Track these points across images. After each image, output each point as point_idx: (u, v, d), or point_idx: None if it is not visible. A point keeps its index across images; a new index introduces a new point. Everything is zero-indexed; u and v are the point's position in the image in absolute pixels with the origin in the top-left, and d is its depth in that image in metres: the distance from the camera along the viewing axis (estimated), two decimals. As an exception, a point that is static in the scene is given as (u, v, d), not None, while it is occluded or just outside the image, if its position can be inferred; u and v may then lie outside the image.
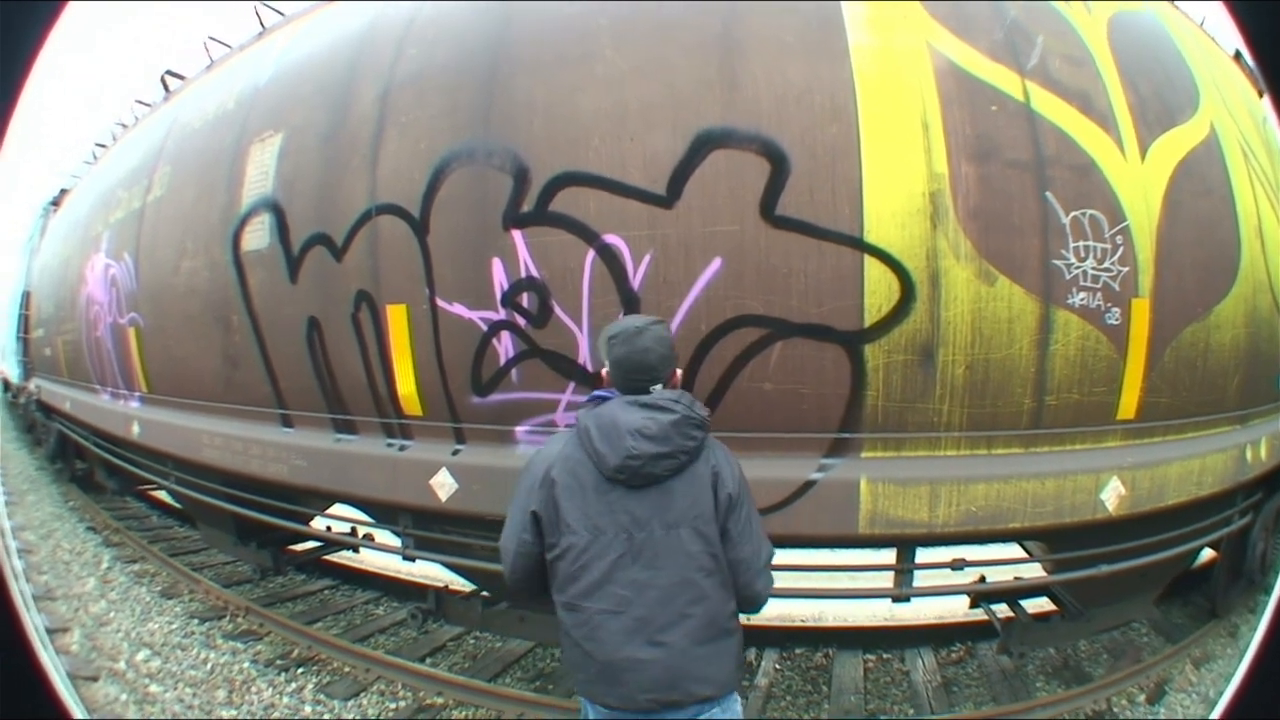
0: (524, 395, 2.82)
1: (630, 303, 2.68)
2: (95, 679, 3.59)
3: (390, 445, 3.12)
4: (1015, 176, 2.83)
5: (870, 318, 2.66)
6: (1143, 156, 3.14)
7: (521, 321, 2.77)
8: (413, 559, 3.24)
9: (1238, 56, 5.26)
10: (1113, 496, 3.02)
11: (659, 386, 1.70)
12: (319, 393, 3.35)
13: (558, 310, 2.74)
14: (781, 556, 2.99)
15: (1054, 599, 3.54)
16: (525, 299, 2.77)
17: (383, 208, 3.03)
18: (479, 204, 2.84)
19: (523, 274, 2.77)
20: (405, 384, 3.02)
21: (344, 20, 3.70)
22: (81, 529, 6.58)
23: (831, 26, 2.85)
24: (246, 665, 3.91)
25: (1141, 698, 3.67)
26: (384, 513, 3.38)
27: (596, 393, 1.76)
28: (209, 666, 3.91)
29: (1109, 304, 2.94)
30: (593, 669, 1.60)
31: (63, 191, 7.88)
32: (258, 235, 3.52)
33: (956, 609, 4.39)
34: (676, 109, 2.74)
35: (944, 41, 2.91)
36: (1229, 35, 5.51)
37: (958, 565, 2.94)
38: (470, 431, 2.95)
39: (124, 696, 3.52)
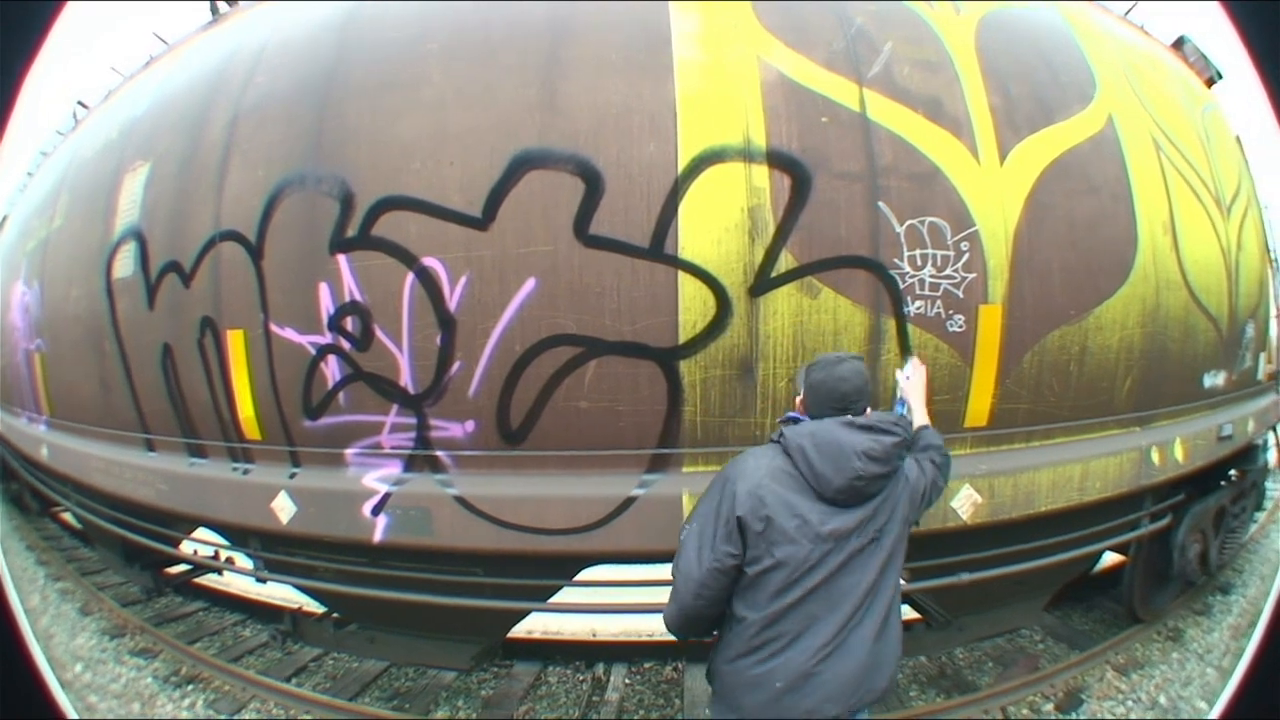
0: (351, 418, 3.05)
1: (447, 324, 2.90)
2: (56, 688, 3.97)
3: (235, 469, 3.37)
4: (844, 188, 2.99)
5: (685, 334, 2.84)
6: (1002, 159, 3.27)
7: (346, 345, 3.00)
8: (264, 580, 3.48)
9: (1178, 45, 5.33)
10: (966, 505, 3.14)
11: (850, 416, 1.88)
12: (174, 418, 3.62)
13: (380, 333, 2.96)
14: (613, 573, 3.21)
15: (917, 607, 3.63)
16: (350, 323, 3.00)
17: (225, 234, 3.30)
18: (308, 229, 3.08)
19: (347, 298, 3.00)
20: (245, 408, 3.27)
21: (212, 49, 4.00)
22: (21, 547, 7.17)
23: (658, 43, 3.06)
24: (149, 680, 4.36)
25: (1049, 706, 3.75)
26: (237, 535, 3.63)
27: (791, 414, 1.98)
28: (123, 681, 4.39)
29: (951, 311, 3.07)
30: (781, 683, 1.72)
31: (4, 218, 8.36)
32: (125, 263, 3.82)
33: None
34: (496, 131, 2.96)
35: (776, 54, 3.09)
36: (1172, 24, 5.60)
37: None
38: (305, 455, 3.18)
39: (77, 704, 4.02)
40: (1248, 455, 5.11)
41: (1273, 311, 5.59)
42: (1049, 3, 4.06)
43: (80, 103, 5.61)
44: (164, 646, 4.45)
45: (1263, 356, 5.25)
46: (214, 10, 4.30)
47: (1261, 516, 6.52)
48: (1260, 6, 2.30)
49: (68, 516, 6.57)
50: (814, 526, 1.74)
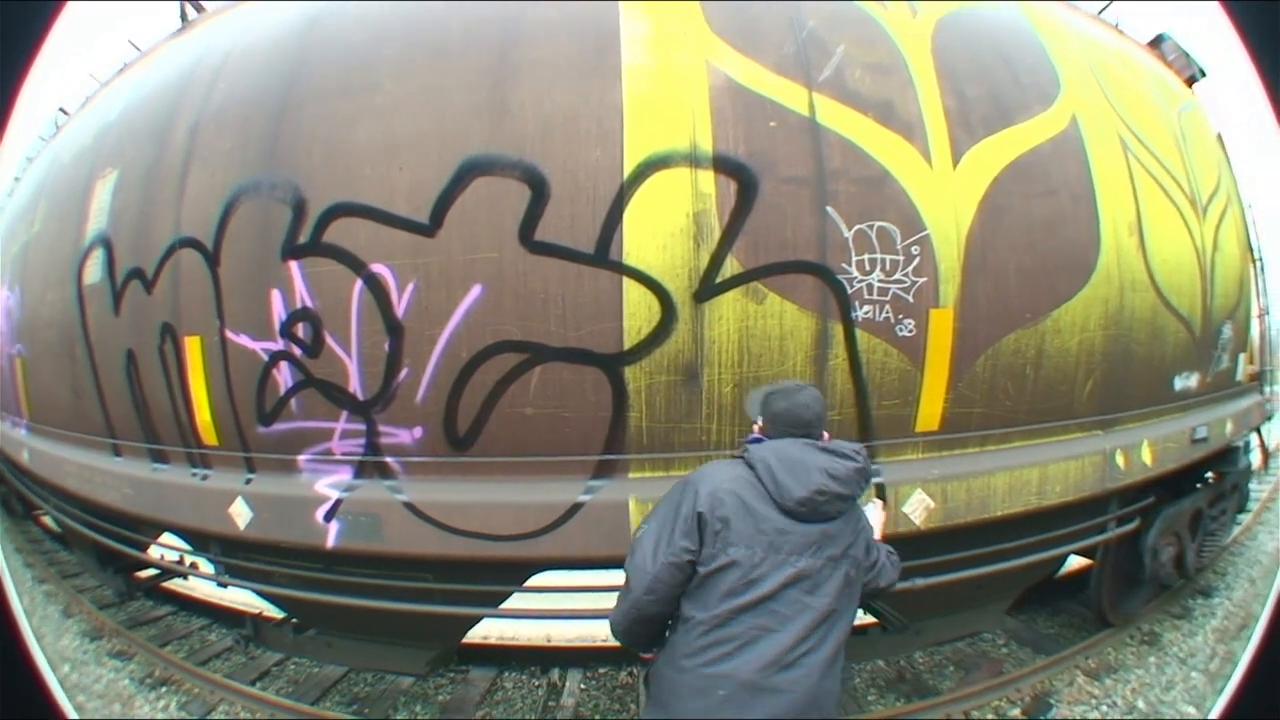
0: (303, 424, 3.08)
1: (395, 331, 2.92)
2: (50, 688, 4.06)
3: (194, 474, 3.41)
4: (791, 192, 2.99)
5: (630, 340, 2.85)
6: (955, 162, 3.26)
7: (298, 351, 3.03)
8: (225, 585, 3.52)
9: (1156, 43, 5.29)
10: (919, 509, 3.13)
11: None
12: (138, 423, 3.67)
13: (330, 340, 2.99)
14: (564, 579, 3.23)
15: (873, 612, 3.63)
16: (301, 329, 3.03)
17: (184, 241, 3.33)
18: (261, 235, 3.12)
19: (298, 304, 3.03)
20: (202, 413, 3.31)
21: (180, 55, 4.04)
22: (10, 549, 7.24)
23: (607, 47, 3.07)
24: (126, 683, 4.41)
25: (1015, 711, 3.72)
26: (199, 540, 3.67)
27: (754, 436, 2.02)
28: (104, 682, 4.44)
29: (901, 316, 3.07)
30: (724, 691, 1.68)
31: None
32: (94, 270, 3.87)
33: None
34: (445, 137, 2.98)
35: (725, 58, 3.09)
36: (1168, 24, 5.56)
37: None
38: (259, 460, 3.21)
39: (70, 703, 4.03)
40: (1227, 457, 5.06)
41: (1255, 311, 5.52)
42: (1013, 2, 4.03)
43: (61, 109, 5.68)
44: (138, 649, 4.52)
45: (1242, 357, 5.20)
46: (183, 16, 4.34)
47: (1246, 519, 6.45)
48: (1261, 6, 2.29)
49: (48, 520, 6.67)
50: (769, 534, 1.76)
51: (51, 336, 4.37)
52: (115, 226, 3.78)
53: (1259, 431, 5.78)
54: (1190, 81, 5.46)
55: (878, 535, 2.26)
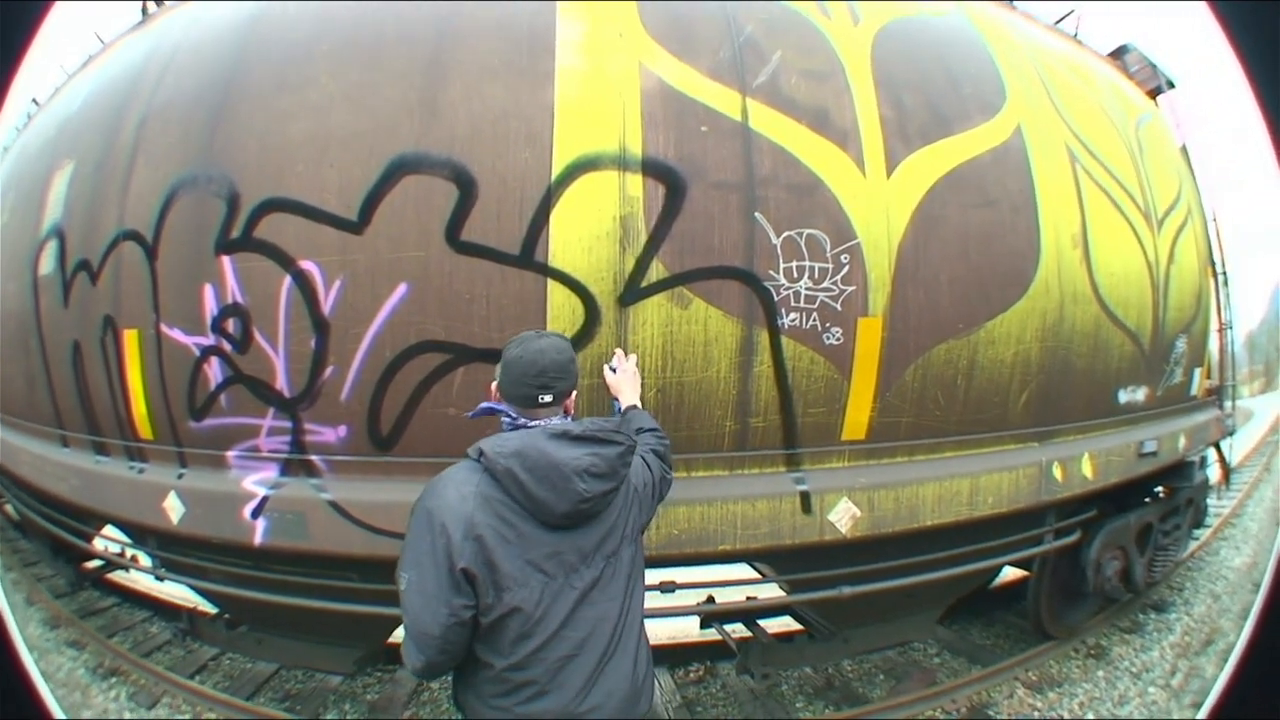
0: (232, 420, 3.06)
1: (321, 328, 2.90)
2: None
3: (132, 467, 3.39)
4: (720, 198, 2.96)
5: (553, 342, 2.81)
6: (889, 172, 3.23)
7: (228, 347, 3.01)
8: (161, 579, 3.51)
9: (1118, 54, 5.24)
10: (845, 518, 3.10)
11: (549, 397, 1.69)
12: (82, 415, 3.66)
13: (258, 336, 2.97)
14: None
15: (800, 619, 3.59)
16: (231, 325, 3.01)
17: (126, 234, 3.32)
18: (197, 230, 3.09)
19: (229, 300, 3.01)
20: (139, 407, 3.30)
21: (136, 49, 4.03)
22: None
23: (541, 50, 3.04)
24: (81, 672, 4.44)
25: (952, 722, 3.70)
26: (137, 533, 3.66)
27: (485, 405, 1.77)
28: (65, 671, 4.48)
29: (828, 324, 3.04)
30: None
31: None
32: (48, 261, 3.86)
33: (690, 629, 4.45)
34: (376, 135, 2.95)
35: (659, 62, 3.07)
36: (1118, 33, 5.51)
37: (667, 588, 3.05)
38: (191, 455, 3.19)
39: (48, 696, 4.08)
40: (1181, 472, 5.01)
41: (1213, 325, 5.47)
42: (964, 6, 4.00)
43: (34, 100, 5.68)
44: (89, 639, 4.53)
45: (1198, 372, 5.15)
46: (144, 10, 4.34)
47: (1205, 534, 6.39)
48: (1254, 6, 2.25)
49: (9, 508, 6.69)
50: (540, 562, 1.56)
51: (11, 327, 4.36)
52: (68, 218, 3.77)
53: (1218, 447, 5.72)
54: (1155, 93, 5.43)
55: (635, 394, 2.10)
